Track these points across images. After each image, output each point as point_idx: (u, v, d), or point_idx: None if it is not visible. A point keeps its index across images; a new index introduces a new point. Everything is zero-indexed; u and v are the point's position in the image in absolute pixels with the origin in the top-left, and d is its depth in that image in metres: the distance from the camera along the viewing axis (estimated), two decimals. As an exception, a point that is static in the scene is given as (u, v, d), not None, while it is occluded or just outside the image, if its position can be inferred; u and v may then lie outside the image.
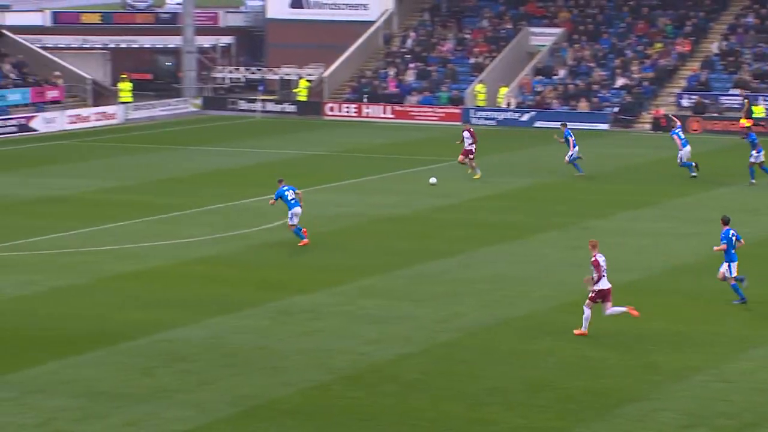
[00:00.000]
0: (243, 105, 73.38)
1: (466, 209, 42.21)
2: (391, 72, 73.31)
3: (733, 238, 28.97)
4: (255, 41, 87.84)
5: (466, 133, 48.11)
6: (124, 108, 69.49)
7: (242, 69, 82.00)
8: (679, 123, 49.94)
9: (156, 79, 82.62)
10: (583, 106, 66.69)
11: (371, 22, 77.94)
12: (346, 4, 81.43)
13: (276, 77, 78.36)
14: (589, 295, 26.62)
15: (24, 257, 34.32)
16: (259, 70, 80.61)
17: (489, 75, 70.82)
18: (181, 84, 77.13)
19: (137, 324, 27.57)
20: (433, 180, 46.50)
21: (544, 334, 27.05)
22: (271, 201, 36.28)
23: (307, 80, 74.58)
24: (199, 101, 74.25)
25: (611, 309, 26.72)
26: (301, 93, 73.52)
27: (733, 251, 28.89)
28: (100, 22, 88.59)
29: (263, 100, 73.25)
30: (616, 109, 65.91)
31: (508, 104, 68.74)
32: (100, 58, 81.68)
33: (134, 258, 34.36)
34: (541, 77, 70.44)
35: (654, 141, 59.67)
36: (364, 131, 65.16)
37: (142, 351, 25.59)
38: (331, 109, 71.22)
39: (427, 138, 62.30)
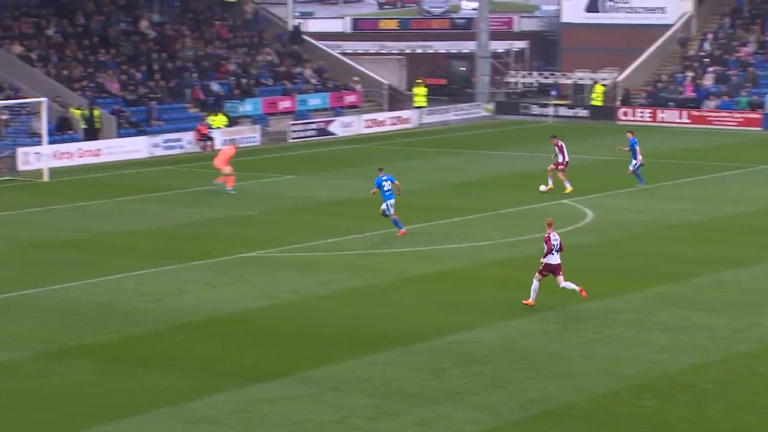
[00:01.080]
0: (535, 109, 73.41)
1: (763, 216, 41.03)
2: (688, 76, 71.93)
3: None
4: (549, 46, 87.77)
5: (555, 148, 46.40)
6: (419, 112, 70.67)
7: (535, 73, 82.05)
8: None
9: (450, 83, 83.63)
10: None
11: (668, 26, 76.68)
12: (643, 8, 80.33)
13: (569, 82, 78.07)
14: (539, 268, 28.95)
15: (324, 257, 35.40)
16: (552, 74, 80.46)
17: (792, 79, 68.61)
18: (475, 89, 77.82)
19: (431, 325, 28.05)
20: (543, 188, 45.38)
21: None
22: (373, 190, 37.74)
23: (602, 85, 73.98)
24: (491, 106, 74.72)
25: (564, 283, 29.01)
26: (596, 98, 72.94)
27: None
28: (397, 28, 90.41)
29: (555, 105, 73.10)
30: None
31: (811, 109, 66.39)
32: (397, 63, 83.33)
33: (430, 260, 34.94)
34: None
35: None
36: (659, 136, 64.17)
37: (435, 352, 26.00)
38: (625, 113, 70.45)
39: (724, 144, 60.91)
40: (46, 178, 50.70)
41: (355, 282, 32.27)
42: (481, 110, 74.23)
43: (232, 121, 62.90)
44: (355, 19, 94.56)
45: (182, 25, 69.93)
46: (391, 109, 71.55)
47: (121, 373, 24.63)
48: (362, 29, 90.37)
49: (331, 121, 66.36)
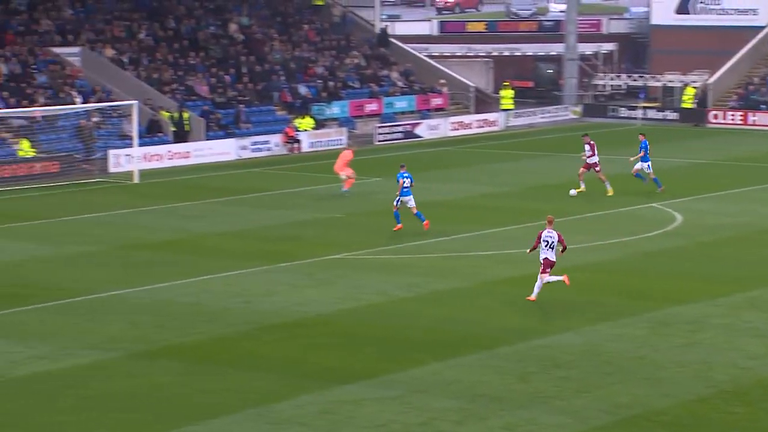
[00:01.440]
0: (623, 112, 72.89)
1: None
2: (780, 78, 71.01)
3: None
4: (638, 48, 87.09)
5: (586, 146, 45.78)
6: (505, 115, 70.46)
7: (624, 76, 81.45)
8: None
9: (537, 86, 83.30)
10: None
11: (760, 28, 75.70)
12: (735, 9, 79.36)
13: (658, 84, 77.40)
14: (541, 266, 29.78)
15: (409, 260, 35.46)
16: (641, 77, 79.82)
17: None
18: (562, 91, 77.44)
19: (516, 328, 27.98)
20: (573, 192, 44.85)
21: None
22: (400, 183, 38.63)
23: (693, 87, 73.22)
24: (579, 108, 74.33)
25: (548, 278, 29.77)
26: (687, 100, 72.18)
27: None
28: (484, 30, 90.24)
29: (644, 108, 72.51)
30: None
31: None
32: (483, 65, 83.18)
33: (515, 263, 34.81)
34: None
35: None
36: (750, 139, 63.44)
37: (520, 356, 25.93)
38: (715, 116, 69.67)
39: (816, 147, 60.05)
40: (136, 179, 51.33)
41: (441, 285, 32.27)
42: (568, 113, 73.86)
43: (319, 124, 63.21)
44: (442, 21, 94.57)
45: (270, 28, 70.41)
46: (477, 112, 71.45)
47: (210, 374, 24.86)
48: (449, 32, 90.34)
49: (418, 123, 66.40)
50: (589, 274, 33.47)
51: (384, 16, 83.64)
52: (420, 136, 65.42)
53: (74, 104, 56.28)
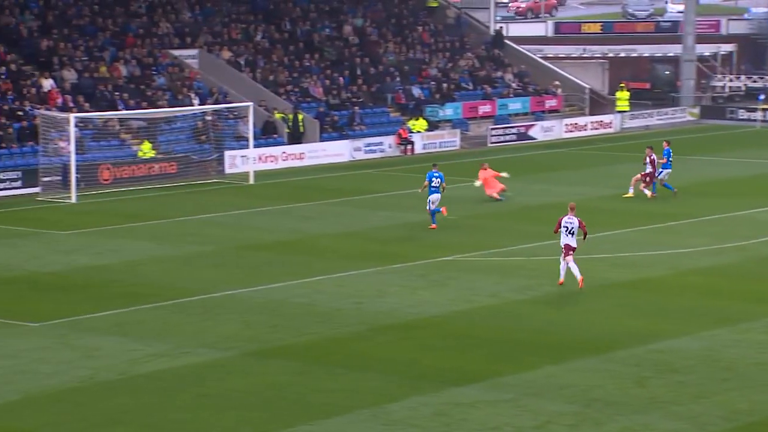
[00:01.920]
0: (742, 114, 71.74)
1: None
2: None
3: None
4: (758, 49, 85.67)
5: (646, 159, 45.12)
6: (621, 117, 69.79)
7: (743, 77, 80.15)
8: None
9: (653, 88, 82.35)
10: None
11: None
12: None
13: (777, 86, 76.07)
14: (563, 252, 31.23)
15: (522, 262, 35.29)
16: (761, 78, 78.48)
17: None
18: (679, 93, 76.48)
19: (631, 333, 27.67)
20: (640, 191, 44.85)
21: None
22: (425, 183, 40.11)
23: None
24: (696, 110, 73.34)
25: (571, 264, 31.00)
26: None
27: None
28: (600, 31, 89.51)
29: (763, 110, 71.28)
30: None
31: None
32: (599, 67, 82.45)
33: (630, 266, 34.49)
34: None
35: None
36: None
37: (636, 360, 25.64)
38: (837, 118, 68.32)
39: None
40: (251, 180, 51.81)
41: (554, 287, 32.04)
42: (685, 115, 72.93)
43: (432, 126, 63.22)
44: (557, 22, 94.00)
45: (385, 30, 70.57)
46: (592, 114, 70.86)
47: (323, 374, 24.99)
48: (564, 33, 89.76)
49: (532, 125, 66.07)
50: (707, 278, 33.02)
51: (498, 18, 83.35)
52: (534, 138, 65.08)
53: (192, 106, 57.00)
